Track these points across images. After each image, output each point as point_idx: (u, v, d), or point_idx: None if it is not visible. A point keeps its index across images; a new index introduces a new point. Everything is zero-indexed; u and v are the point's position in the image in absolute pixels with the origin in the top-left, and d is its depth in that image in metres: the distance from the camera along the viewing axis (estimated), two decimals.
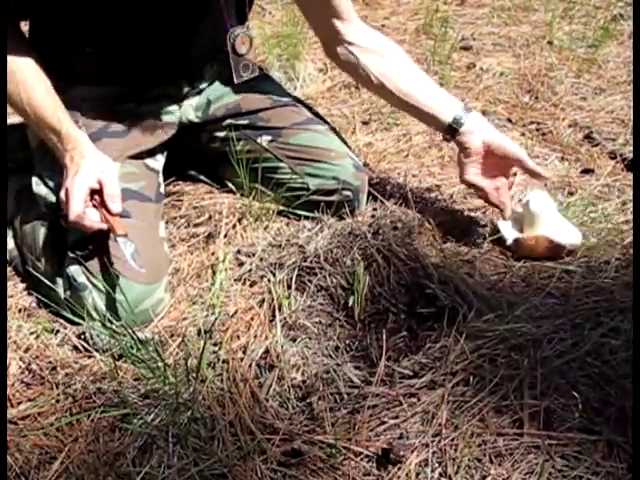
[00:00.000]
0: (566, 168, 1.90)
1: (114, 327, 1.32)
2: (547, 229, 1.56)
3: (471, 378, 1.19)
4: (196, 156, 1.82)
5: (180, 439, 1.13)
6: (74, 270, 1.38)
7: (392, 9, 3.00)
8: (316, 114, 1.80)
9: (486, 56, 2.55)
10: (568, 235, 1.57)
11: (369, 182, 1.75)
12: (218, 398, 1.20)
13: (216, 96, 1.74)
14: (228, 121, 1.72)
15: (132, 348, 1.27)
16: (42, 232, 1.47)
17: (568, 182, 1.81)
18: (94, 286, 1.36)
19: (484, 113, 2.15)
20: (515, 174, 1.84)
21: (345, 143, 1.75)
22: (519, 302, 1.36)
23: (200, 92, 1.73)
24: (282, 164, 1.67)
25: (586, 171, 1.87)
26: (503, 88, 2.32)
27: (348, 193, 1.64)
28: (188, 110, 1.72)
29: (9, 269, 1.53)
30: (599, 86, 2.33)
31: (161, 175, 1.66)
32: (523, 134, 2.06)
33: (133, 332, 1.25)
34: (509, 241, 1.57)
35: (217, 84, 1.74)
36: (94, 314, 1.35)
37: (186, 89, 1.69)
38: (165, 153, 1.70)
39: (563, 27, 2.79)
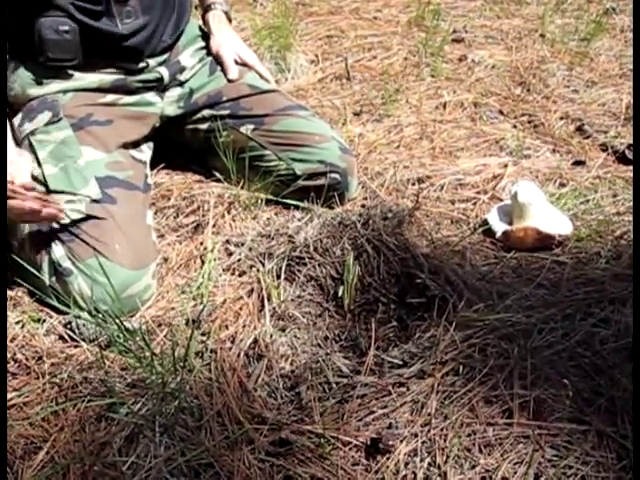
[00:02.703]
0: (557, 160, 1.89)
1: (101, 316, 1.30)
2: (536, 220, 1.55)
3: (461, 368, 1.19)
4: (184, 147, 1.81)
5: (167, 429, 1.12)
6: (59, 255, 1.36)
7: (384, 1, 2.98)
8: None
9: (478, 48, 2.54)
10: (558, 225, 1.56)
11: (360, 172, 1.74)
12: (206, 388, 1.19)
13: (198, 85, 1.74)
14: (209, 112, 1.72)
15: (119, 337, 1.26)
16: None
17: (559, 174, 1.81)
18: (80, 271, 1.34)
19: (476, 105, 2.15)
20: (506, 166, 1.84)
21: (330, 128, 1.75)
22: (509, 292, 1.36)
23: (182, 84, 1.73)
24: (267, 151, 1.67)
25: (577, 163, 1.87)
26: (495, 80, 2.31)
27: (336, 176, 1.63)
28: (171, 102, 1.72)
29: None
30: (591, 79, 2.33)
31: (148, 166, 1.65)
32: (515, 126, 2.05)
33: (120, 321, 1.24)
34: (498, 233, 1.57)
35: (199, 75, 1.75)
36: (80, 300, 1.34)
37: (167, 78, 1.69)
38: (151, 145, 1.70)
39: (555, 20, 2.78)
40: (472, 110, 2.13)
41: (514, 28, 2.73)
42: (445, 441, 1.09)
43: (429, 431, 1.10)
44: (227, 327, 1.33)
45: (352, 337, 1.32)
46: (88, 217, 1.39)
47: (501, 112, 2.13)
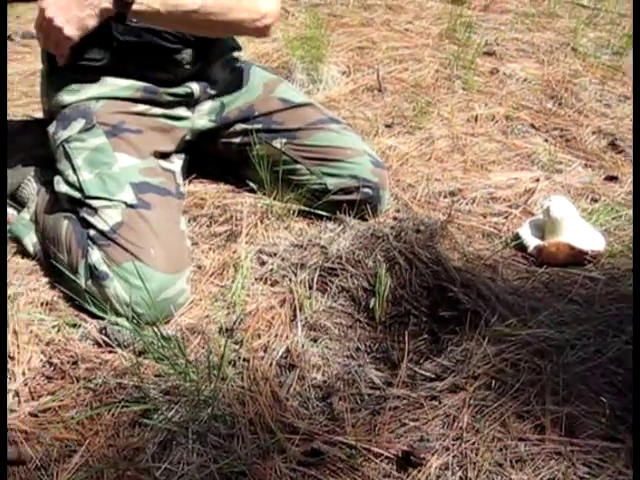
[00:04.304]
0: (590, 175, 1.89)
1: (136, 322, 1.32)
2: (568, 235, 1.55)
3: (493, 382, 1.19)
4: (216, 158, 1.83)
5: (200, 436, 1.13)
6: (96, 259, 1.38)
7: (415, 13, 3.00)
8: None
9: (510, 62, 2.54)
10: (590, 241, 1.56)
11: (392, 184, 1.74)
12: (238, 396, 1.20)
13: (229, 99, 1.75)
14: (242, 126, 1.73)
15: (153, 344, 1.27)
16: (64, 225, 1.48)
17: (592, 189, 1.81)
18: (116, 274, 1.36)
19: (507, 118, 2.15)
20: (538, 180, 1.84)
21: (362, 141, 1.75)
22: (541, 307, 1.36)
23: (213, 97, 1.74)
24: (299, 165, 1.68)
25: (610, 178, 1.87)
26: (527, 94, 2.31)
27: (368, 190, 1.63)
28: (202, 116, 1.74)
29: (32, 262, 1.54)
30: (623, 93, 2.33)
31: (179, 176, 1.67)
32: (546, 140, 2.05)
33: (158, 328, 1.25)
34: (530, 248, 1.57)
35: (230, 88, 1.76)
36: (116, 303, 1.36)
37: (197, 93, 1.70)
38: (182, 156, 1.72)
39: (587, 34, 2.78)
40: (504, 123, 2.13)
41: (546, 41, 2.73)
42: (477, 455, 1.09)
43: (461, 445, 1.10)
44: (259, 336, 1.34)
45: (383, 349, 1.32)
46: (124, 222, 1.42)
47: (533, 126, 2.13)
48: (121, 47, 1.56)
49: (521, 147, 2.01)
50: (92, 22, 1.47)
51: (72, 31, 1.47)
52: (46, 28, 1.49)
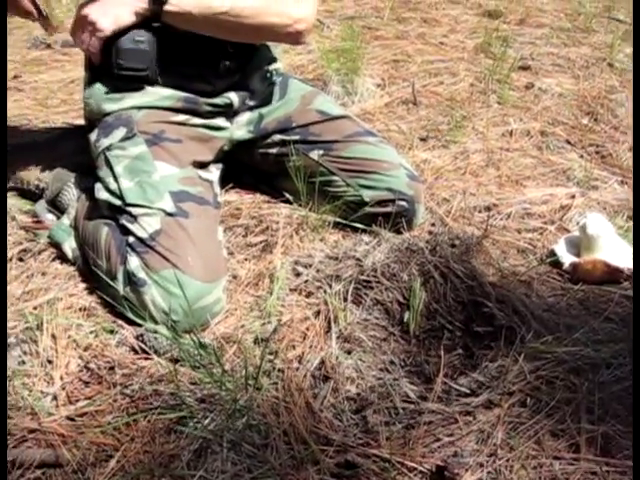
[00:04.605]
0: (626, 192, 1.87)
1: (173, 330, 1.34)
2: (605, 253, 1.54)
3: (528, 399, 1.19)
4: (253, 168, 1.85)
5: (235, 445, 1.13)
6: (134, 266, 1.40)
7: (450, 27, 3.01)
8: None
9: (545, 76, 2.54)
10: (627, 259, 1.55)
11: (427, 198, 1.75)
12: (273, 406, 1.21)
13: (268, 110, 1.78)
14: (279, 137, 1.75)
15: (189, 352, 1.28)
16: (104, 231, 1.50)
17: (628, 206, 1.79)
18: (154, 282, 1.37)
19: (542, 134, 2.14)
20: (574, 197, 1.83)
21: (398, 154, 1.76)
22: (577, 325, 1.35)
23: (252, 108, 1.77)
24: (335, 177, 1.69)
25: None
26: (562, 109, 2.31)
27: (403, 203, 1.64)
28: (240, 126, 1.76)
29: (71, 268, 1.56)
30: None
31: (216, 186, 1.69)
32: (582, 156, 2.04)
33: (196, 336, 1.26)
34: (566, 265, 1.56)
35: (268, 100, 1.79)
36: (153, 310, 1.37)
37: (236, 103, 1.72)
38: (220, 166, 1.74)
39: (624, 49, 2.76)
40: (539, 139, 2.13)
41: (581, 56, 2.72)
42: (511, 472, 1.09)
43: (495, 462, 1.10)
44: (294, 347, 1.35)
45: (417, 363, 1.32)
46: (162, 230, 1.43)
47: (568, 142, 2.12)
48: (163, 52, 1.59)
49: (556, 163, 2.00)
50: (126, 18, 1.53)
51: (106, 24, 1.52)
52: (80, 26, 1.54)
